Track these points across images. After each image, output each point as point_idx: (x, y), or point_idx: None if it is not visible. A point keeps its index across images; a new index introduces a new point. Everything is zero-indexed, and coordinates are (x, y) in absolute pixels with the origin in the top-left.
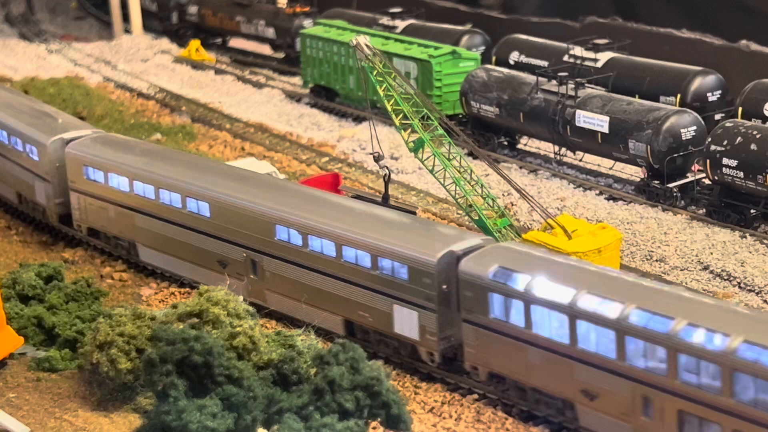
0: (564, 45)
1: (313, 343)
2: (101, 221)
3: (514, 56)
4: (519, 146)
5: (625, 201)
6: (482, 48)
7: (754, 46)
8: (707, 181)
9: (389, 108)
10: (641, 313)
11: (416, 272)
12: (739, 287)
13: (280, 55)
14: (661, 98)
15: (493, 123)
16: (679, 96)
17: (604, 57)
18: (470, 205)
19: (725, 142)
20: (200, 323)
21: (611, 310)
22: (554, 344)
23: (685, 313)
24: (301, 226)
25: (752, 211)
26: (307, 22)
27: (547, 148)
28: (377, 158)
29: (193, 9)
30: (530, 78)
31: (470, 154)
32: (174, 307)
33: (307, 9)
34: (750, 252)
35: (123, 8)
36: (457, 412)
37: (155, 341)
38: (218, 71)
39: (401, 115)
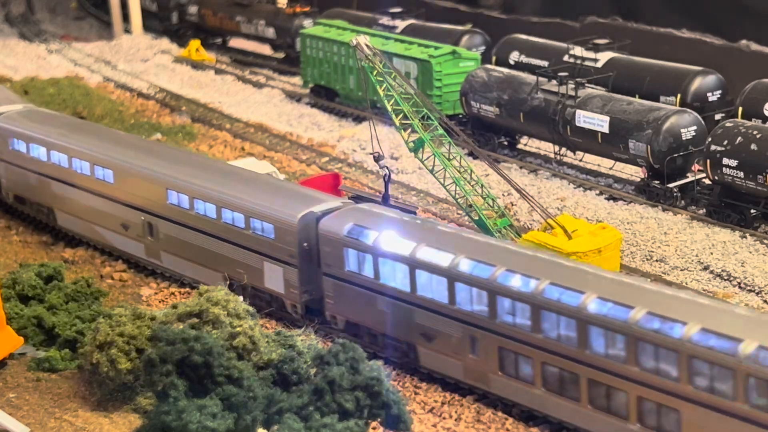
0: (564, 45)
1: (313, 343)
2: (24, 189)
3: (514, 56)
4: (519, 146)
5: (625, 201)
6: (482, 48)
7: (754, 46)
8: (707, 181)
9: (389, 108)
10: (469, 261)
11: (281, 231)
12: (739, 287)
13: (280, 55)
14: (662, 98)
15: (493, 123)
16: (679, 96)
17: (604, 57)
18: (470, 205)
19: (725, 142)
20: (200, 323)
21: (444, 259)
22: (398, 292)
23: (506, 261)
24: (188, 190)
25: (752, 211)
26: (307, 22)
27: (547, 148)
28: (377, 158)
29: (193, 9)
30: (530, 78)
31: (470, 154)
32: (174, 307)
33: (307, 9)
34: (750, 252)
35: (123, 8)
36: (457, 412)
37: (155, 341)
38: (218, 71)
39: (401, 115)
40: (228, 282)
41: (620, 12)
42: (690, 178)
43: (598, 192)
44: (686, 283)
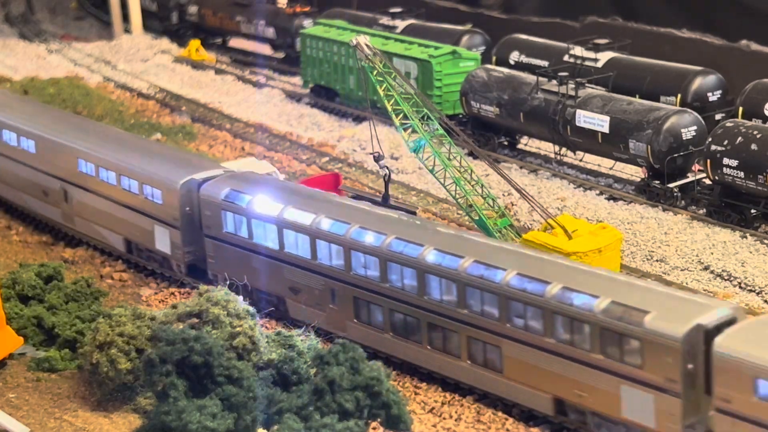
0: (564, 45)
1: (313, 344)
2: None
3: (514, 56)
4: (519, 146)
5: (625, 201)
6: (482, 48)
7: (754, 46)
8: (708, 181)
9: (389, 108)
10: (328, 220)
11: (166, 196)
12: (740, 287)
13: (280, 55)
14: (662, 98)
15: (493, 123)
16: (679, 96)
17: (604, 57)
18: (470, 205)
19: (726, 142)
20: (200, 323)
21: (307, 219)
22: (269, 250)
23: (359, 220)
24: (94, 159)
25: (753, 211)
26: (307, 22)
27: (547, 148)
28: (377, 158)
29: (193, 9)
30: (530, 78)
31: (470, 154)
32: (174, 307)
33: (307, 9)
34: (750, 252)
35: (123, 8)
36: (457, 413)
37: (155, 341)
38: (218, 71)
39: (401, 115)
40: (127, 244)
41: (620, 12)
42: (690, 178)
43: (598, 192)
44: (686, 283)
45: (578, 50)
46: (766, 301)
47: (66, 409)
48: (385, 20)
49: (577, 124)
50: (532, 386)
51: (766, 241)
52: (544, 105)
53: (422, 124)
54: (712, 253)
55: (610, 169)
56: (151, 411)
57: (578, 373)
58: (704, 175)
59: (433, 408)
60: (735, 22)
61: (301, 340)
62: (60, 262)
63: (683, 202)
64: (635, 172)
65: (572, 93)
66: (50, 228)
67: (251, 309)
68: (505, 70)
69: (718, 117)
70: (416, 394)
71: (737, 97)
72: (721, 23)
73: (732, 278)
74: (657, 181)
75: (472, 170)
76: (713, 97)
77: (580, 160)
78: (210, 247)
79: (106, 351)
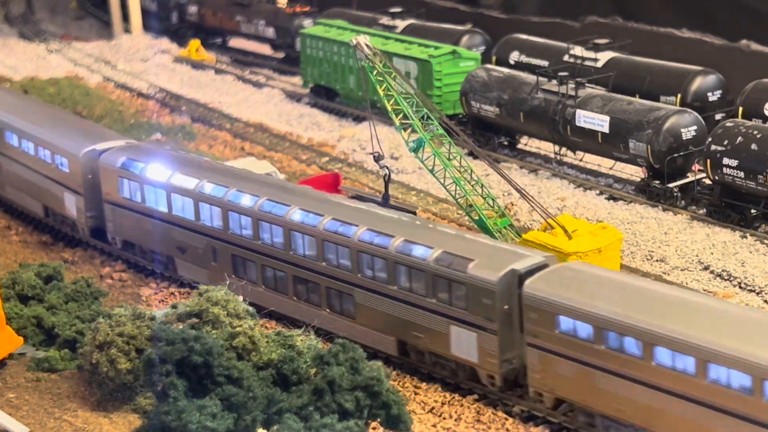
0: (564, 45)
1: (313, 344)
2: None
3: (514, 56)
4: (519, 146)
5: (625, 201)
6: (482, 48)
7: (754, 46)
8: (707, 181)
9: (389, 108)
10: (209, 185)
11: (71, 164)
12: (740, 287)
13: (280, 55)
14: (662, 98)
15: (493, 123)
16: (679, 96)
17: (604, 57)
18: (470, 205)
19: (726, 142)
20: (200, 323)
21: (190, 183)
22: (159, 213)
23: (237, 184)
24: (17, 130)
25: (752, 211)
26: (307, 22)
27: (547, 148)
28: (377, 158)
29: (193, 9)
30: (530, 78)
31: (470, 154)
32: (174, 307)
33: (307, 9)
34: (750, 252)
35: (123, 8)
36: (457, 413)
37: (155, 341)
38: (218, 71)
39: (401, 115)
40: (45, 210)
41: (620, 12)
42: (690, 178)
43: (598, 192)
44: (686, 283)
45: (578, 50)
46: (766, 301)
47: (66, 409)
48: (385, 20)
49: (577, 124)
50: (379, 330)
51: (766, 241)
52: (544, 105)
53: (422, 124)
54: (712, 253)
55: (610, 169)
56: (151, 411)
57: (416, 317)
58: (704, 175)
59: (433, 408)
60: (735, 22)
61: (301, 340)
62: (60, 262)
63: (683, 202)
64: (635, 172)
65: (572, 93)
66: (50, 228)
67: (251, 309)
68: (505, 70)
69: (718, 117)
70: (416, 394)
71: (737, 97)
72: (721, 23)
73: (732, 278)
74: (657, 181)
75: (472, 170)
76: (713, 97)
77: (580, 160)
78: (109, 212)
79: (106, 351)
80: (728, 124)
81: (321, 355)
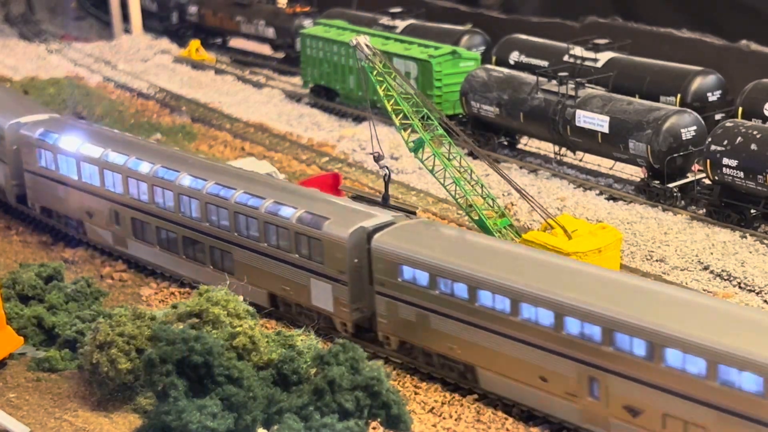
0: (564, 45)
1: (313, 343)
2: None
3: (514, 56)
4: (519, 146)
5: (625, 201)
6: (482, 48)
7: (754, 46)
8: (707, 181)
9: (389, 108)
10: (113, 153)
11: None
12: (740, 287)
13: (280, 55)
14: (662, 98)
15: (493, 123)
16: (679, 96)
17: (604, 57)
18: (470, 205)
19: (725, 142)
20: (200, 323)
21: (96, 152)
22: (70, 180)
23: (135, 152)
24: None
25: (752, 211)
26: (307, 22)
27: (547, 148)
28: (377, 158)
29: (193, 9)
30: (530, 78)
31: (470, 154)
32: (174, 307)
33: (307, 9)
34: (750, 252)
35: (123, 8)
36: (457, 412)
37: (155, 341)
38: (218, 71)
39: (401, 115)
40: None
41: (620, 12)
42: (690, 178)
43: (598, 192)
44: (686, 283)
45: (578, 50)
46: (766, 301)
47: (66, 409)
48: (385, 20)
49: (577, 124)
50: (253, 284)
51: (765, 241)
52: (544, 105)
53: (422, 124)
54: (711, 253)
55: (610, 169)
56: (151, 411)
57: (283, 271)
58: (704, 175)
59: (433, 408)
60: (735, 22)
61: (301, 340)
62: (60, 262)
63: (683, 202)
64: (635, 172)
65: (572, 93)
66: (50, 228)
67: (251, 309)
68: (505, 70)
69: (717, 117)
70: (416, 394)
71: (737, 97)
72: (721, 23)
73: (732, 278)
74: (657, 181)
75: (472, 170)
76: (713, 97)
77: (580, 160)
78: (29, 180)
79: (106, 351)
80: (728, 125)
81: (321, 354)
